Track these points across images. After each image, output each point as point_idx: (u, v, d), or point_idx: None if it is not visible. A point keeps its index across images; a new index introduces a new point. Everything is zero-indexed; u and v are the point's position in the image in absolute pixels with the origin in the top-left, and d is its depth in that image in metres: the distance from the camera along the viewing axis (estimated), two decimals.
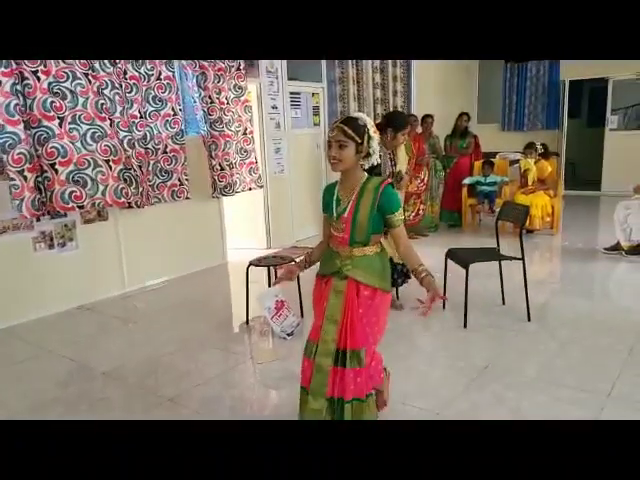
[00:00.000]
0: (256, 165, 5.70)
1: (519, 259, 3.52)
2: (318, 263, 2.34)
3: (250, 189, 5.69)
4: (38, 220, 3.93)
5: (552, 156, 6.80)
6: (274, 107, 6.05)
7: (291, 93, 6.27)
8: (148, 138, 4.60)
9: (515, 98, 9.75)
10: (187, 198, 4.97)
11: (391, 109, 7.66)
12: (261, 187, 5.84)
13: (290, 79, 6.19)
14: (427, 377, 2.92)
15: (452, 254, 3.74)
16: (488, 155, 7.28)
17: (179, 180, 4.90)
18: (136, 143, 4.44)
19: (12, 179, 3.53)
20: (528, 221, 6.04)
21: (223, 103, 5.23)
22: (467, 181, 6.58)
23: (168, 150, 4.79)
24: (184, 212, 5.05)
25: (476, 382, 2.82)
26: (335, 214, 2.17)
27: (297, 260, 2.39)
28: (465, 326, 3.52)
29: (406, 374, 2.89)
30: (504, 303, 3.92)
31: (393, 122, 3.68)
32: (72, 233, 4.25)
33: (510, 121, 9.90)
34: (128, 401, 2.79)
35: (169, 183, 4.84)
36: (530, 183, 6.28)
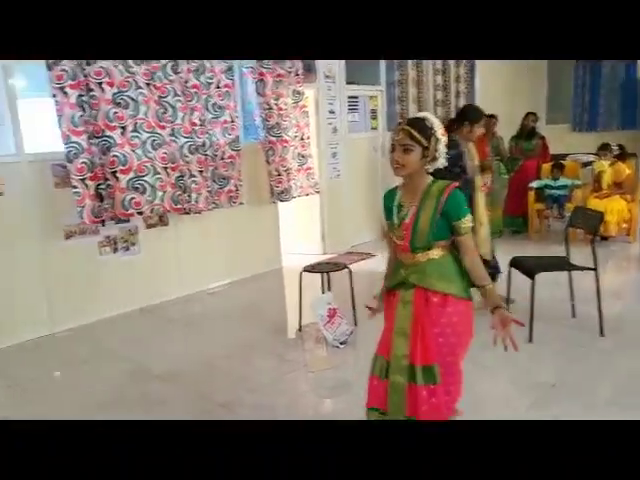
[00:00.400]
0: (313, 170, 5.67)
1: (592, 269, 3.26)
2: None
3: (307, 194, 5.66)
4: (103, 225, 4.07)
5: (630, 157, 6.32)
6: (331, 112, 6.00)
7: (349, 97, 6.21)
8: (207, 145, 4.68)
9: (588, 97, 9.18)
10: (241, 203, 5.00)
11: (452, 111, 7.43)
12: (318, 192, 5.81)
13: (348, 83, 6.12)
14: (488, 395, 2.74)
15: (517, 263, 3.52)
16: (557, 157, 6.88)
17: (235, 186, 4.95)
18: (196, 150, 4.53)
19: (74, 187, 3.66)
20: (602, 227, 5.65)
21: (281, 109, 5.23)
22: (535, 184, 6.24)
23: (226, 157, 4.85)
24: (241, 217, 5.08)
25: (541, 402, 2.62)
26: (397, 221, 2.02)
27: (375, 295, 2.26)
28: (531, 340, 3.30)
29: (465, 391, 2.72)
30: (574, 316, 3.65)
31: (469, 115, 3.70)
32: (135, 238, 4.38)
33: (582, 121, 9.32)
34: (181, 406, 2.80)
35: (226, 189, 4.89)
36: (605, 187, 5.87)
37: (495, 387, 2.84)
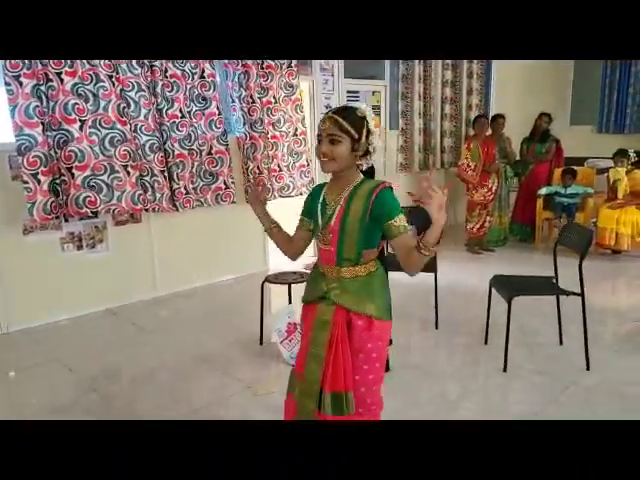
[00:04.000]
0: (307, 168, 5.37)
1: (577, 294, 2.89)
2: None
3: (301, 193, 5.38)
4: (67, 221, 3.87)
5: None
6: (328, 107, 5.68)
7: (348, 91, 5.87)
8: (192, 138, 4.44)
9: (616, 97, 8.59)
10: (233, 202, 4.75)
11: (463, 108, 7.02)
12: None
13: (347, 77, 5.79)
14: None
15: (497, 282, 3.17)
16: (575, 161, 6.40)
17: (224, 183, 4.69)
18: (177, 144, 4.30)
19: (25, 182, 3.46)
20: (614, 240, 5.21)
21: (270, 103, 4.95)
22: (543, 191, 5.79)
23: (213, 151, 4.60)
24: (224, 216, 4.83)
25: None
26: (321, 222, 1.80)
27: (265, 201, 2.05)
28: (505, 369, 2.95)
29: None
30: (561, 343, 3.28)
31: None
32: (103, 235, 4.18)
33: (609, 122, 8.72)
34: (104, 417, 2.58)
35: (213, 186, 4.64)
36: (620, 196, 5.40)
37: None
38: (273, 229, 2.01)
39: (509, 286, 3.01)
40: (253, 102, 4.78)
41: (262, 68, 4.85)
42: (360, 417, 1.79)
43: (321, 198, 1.82)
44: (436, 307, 3.62)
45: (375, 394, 1.83)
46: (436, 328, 3.61)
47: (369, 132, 1.73)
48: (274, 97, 4.97)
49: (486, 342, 3.31)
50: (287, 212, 5.62)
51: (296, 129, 5.23)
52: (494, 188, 5.65)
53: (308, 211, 1.88)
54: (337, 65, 5.68)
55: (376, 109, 6.26)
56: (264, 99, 4.88)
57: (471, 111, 7.07)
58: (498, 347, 3.06)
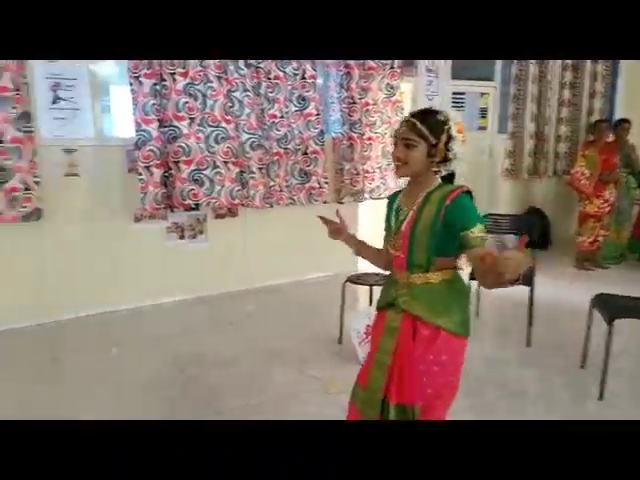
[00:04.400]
0: None
1: None
2: None
3: None
4: (172, 211, 4.18)
5: None
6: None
7: (453, 93, 5.68)
8: (289, 138, 4.57)
9: None
10: (325, 202, 4.82)
11: (583, 112, 6.47)
12: None
13: (454, 78, 5.61)
14: None
15: (599, 301, 2.88)
16: None
17: (318, 183, 4.78)
18: (275, 143, 4.45)
19: (139, 173, 3.78)
20: None
21: (368, 104, 4.95)
22: None
23: (309, 151, 4.71)
24: (315, 215, 4.90)
25: None
26: (394, 227, 1.77)
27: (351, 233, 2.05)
28: (601, 397, 2.68)
29: None
30: None
31: None
32: (203, 226, 4.45)
33: None
34: (183, 403, 2.75)
35: (307, 185, 4.75)
36: None
37: None
38: (360, 249, 2.02)
39: (612, 306, 2.72)
40: (354, 103, 4.80)
41: (364, 69, 4.86)
42: None
43: (396, 204, 1.79)
44: (529, 323, 3.38)
45: (433, 410, 1.72)
46: (527, 345, 3.36)
47: (450, 138, 1.65)
48: (373, 99, 4.95)
49: (583, 366, 3.02)
50: (379, 214, 5.61)
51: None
52: (611, 199, 5.15)
53: (387, 219, 1.86)
54: (443, 66, 5.52)
55: (484, 111, 6.00)
56: (363, 100, 4.88)
57: (592, 115, 6.50)
58: (596, 372, 2.79)
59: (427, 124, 1.64)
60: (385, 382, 1.72)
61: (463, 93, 5.79)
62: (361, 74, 4.83)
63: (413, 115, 1.69)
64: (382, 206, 5.25)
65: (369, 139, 4.98)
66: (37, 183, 3.60)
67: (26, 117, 3.51)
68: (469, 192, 1.68)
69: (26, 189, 3.57)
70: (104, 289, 4.04)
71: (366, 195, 5.06)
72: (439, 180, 1.72)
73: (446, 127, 1.65)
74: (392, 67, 5.03)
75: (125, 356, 3.35)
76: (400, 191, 1.84)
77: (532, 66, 5.93)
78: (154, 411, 2.64)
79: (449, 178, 1.75)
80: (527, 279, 3.35)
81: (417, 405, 1.68)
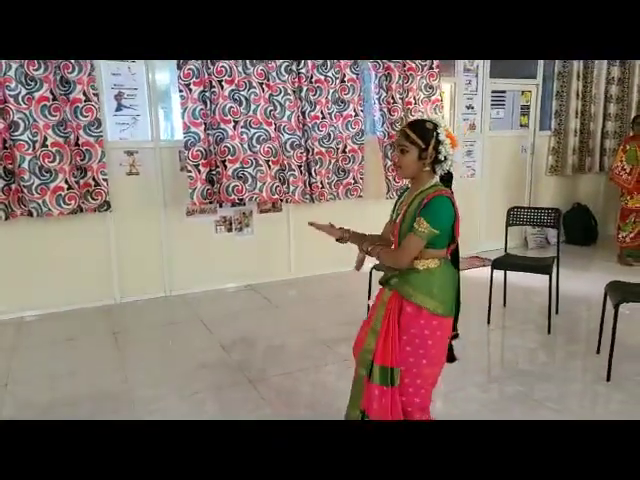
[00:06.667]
0: None
1: None
2: None
3: None
4: (220, 206, 4.60)
5: None
6: (469, 107, 5.68)
7: (493, 92, 5.78)
8: (331, 138, 4.89)
9: None
10: (359, 197, 5.10)
11: (632, 108, 6.35)
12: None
13: (493, 76, 5.71)
14: None
15: (611, 288, 2.98)
16: None
17: (354, 179, 5.07)
18: (317, 143, 4.77)
19: (189, 171, 4.21)
20: None
21: (410, 103, 5.18)
22: None
23: (347, 150, 5.00)
24: (357, 210, 5.18)
25: None
26: (394, 218, 2.06)
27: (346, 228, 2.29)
28: (608, 379, 2.79)
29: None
30: None
31: None
32: (249, 220, 4.84)
33: None
34: (224, 372, 3.10)
35: (345, 181, 5.05)
36: None
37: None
38: (370, 239, 2.19)
39: (620, 291, 2.83)
40: (394, 102, 5.04)
41: (404, 70, 5.08)
42: (401, 396, 1.96)
43: (401, 199, 2.07)
44: (549, 311, 3.50)
45: (414, 377, 1.95)
46: (548, 333, 3.49)
47: (438, 142, 1.89)
48: (414, 98, 5.17)
49: (598, 351, 3.13)
50: None
51: None
52: None
53: (392, 210, 2.12)
54: (482, 65, 5.64)
55: (525, 109, 6.04)
56: (405, 99, 5.11)
57: None
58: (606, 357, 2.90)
59: (416, 131, 1.89)
60: (374, 346, 1.98)
61: (504, 91, 5.87)
62: (401, 74, 5.06)
63: (406, 125, 1.97)
64: None
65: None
66: (105, 180, 4.11)
67: (95, 123, 4.02)
68: (447, 197, 1.90)
69: (96, 185, 4.08)
70: (159, 275, 4.52)
71: None
72: (435, 180, 1.96)
73: (434, 133, 1.88)
74: (431, 67, 5.22)
75: (181, 333, 3.77)
76: (407, 189, 2.10)
77: (576, 62, 5.92)
78: (208, 380, 3.02)
79: (447, 178, 1.99)
80: (547, 268, 3.47)
81: (397, 368, 1.92)
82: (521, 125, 6.06)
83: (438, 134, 1.88)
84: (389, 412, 1.95)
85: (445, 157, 1.90)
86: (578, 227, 6.22)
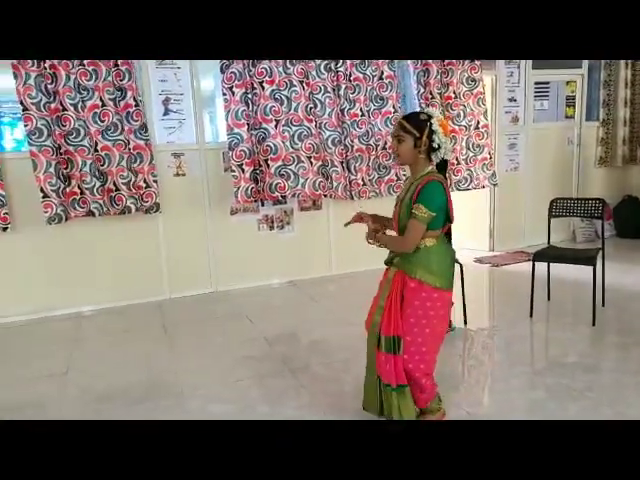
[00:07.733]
0: (490, 161, 5.42)
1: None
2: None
3: (483, 187, 5.46)
4: (262, 205, 4.75)
5: None
6: (512, 99, 5.60)
7: (536, 83, 5.68)
8: (370, 135, 4.95)
9: None
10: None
11: None
12: (495, 185, 5.52)
13: (535, 68, 5.60)
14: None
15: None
16: None
17: (396, 176, 5.11)
18: (356, 140, 4.84)
19: (233, 171, 4.37)
20: None
21: (450, 98, 5.17)
22: None
23: (387, 146, 5.04)
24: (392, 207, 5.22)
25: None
26: (396, 202, 2.27)
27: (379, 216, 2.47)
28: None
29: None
30: None
31: None
32: (290, 218, 4.96)
33: None
34: (270, 364, 3.21)
35: (386, 178, 5.09)
36: None
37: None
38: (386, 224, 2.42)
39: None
40: (432, 97, 5.04)
41: (443, 65, 5.08)
42: (406, 364, 2.14)
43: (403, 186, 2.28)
44: (594, 303, 3.43)
45: (418, 345, 2.14)
46: (593, 325, 3.42)
47: (432, 131, 2.06)
48: (454, 92, 5.15)
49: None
50: (462, 205, 5.75)
51: (478, 122, 5.31)
52: None
53: (398, 196, 2.31)
54: None
55: (570, 99, 5.90)
56: (444, 94, 5.11)
57: None
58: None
59: (411, 122, 2.08)
60: (381, 319, 2.20)
61: (547, 82, 5.75)
62: (439, 69, 5.06)
63: (402, 117, 2.17)
64: (469, 197, 5.53)
65: (452, 131, 5.17)
66: (155, 182, 4.32)
67: (145, 128, 4.24)
68: (439, 182, 2.08)
69: (147, 187, 4.30)
70: (206, 272, 4.71)
71: (453, 186, 5.26)
72: (431, 167, 2.14)
73: (428, 123, 2.06)
74: (472, 60, 5.19)
75: (226, 327, 3.92)
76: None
77: None
78: (252, 369, 3.15)
79: (443, 166, 2.18)
80: (590, 260, 3.41)
81: (400, 338, 2.13)
82: (567, 116, 5.92)
83: (431, 124, 2.07)
84: (394, 377, 2.17)
85: (439, 145, 2.09)
86: (629, 220, 6.01)
